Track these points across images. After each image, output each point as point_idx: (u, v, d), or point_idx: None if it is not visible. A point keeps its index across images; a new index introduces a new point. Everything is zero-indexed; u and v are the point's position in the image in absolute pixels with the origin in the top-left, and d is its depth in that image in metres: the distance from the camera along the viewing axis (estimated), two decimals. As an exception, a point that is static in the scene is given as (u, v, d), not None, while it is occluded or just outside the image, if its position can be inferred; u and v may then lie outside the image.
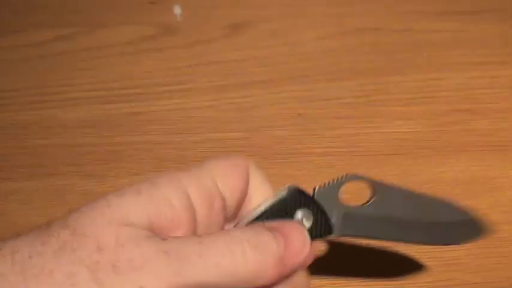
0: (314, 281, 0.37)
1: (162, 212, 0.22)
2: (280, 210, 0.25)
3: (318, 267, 0.38)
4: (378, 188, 0.27)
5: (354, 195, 0.27)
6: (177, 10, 0.50)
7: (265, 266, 0.22)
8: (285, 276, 0.23)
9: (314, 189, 0.25)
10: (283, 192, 0.25)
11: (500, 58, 0.48)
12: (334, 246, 0.39)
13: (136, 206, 0.21)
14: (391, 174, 0.42)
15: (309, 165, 0.42)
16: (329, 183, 0.26)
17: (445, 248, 0.38)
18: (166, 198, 0.22)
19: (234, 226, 0.26)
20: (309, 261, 0.24)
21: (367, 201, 0.27)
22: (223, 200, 0.24)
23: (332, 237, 0.25)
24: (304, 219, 0.25)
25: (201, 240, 0.21)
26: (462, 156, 0.42)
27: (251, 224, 0.24)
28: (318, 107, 0.45)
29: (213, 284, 0.21)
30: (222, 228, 0.26)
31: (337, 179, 0.26)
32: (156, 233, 0.21)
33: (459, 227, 0.30)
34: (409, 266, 0.38)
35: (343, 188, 0.26)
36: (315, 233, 0.25)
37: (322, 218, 0.25)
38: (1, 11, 0.51)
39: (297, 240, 0.23)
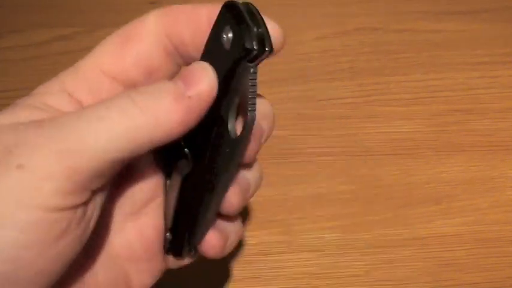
0: (310, 281, 0.37)
1: (40, 115, 0.20)
2: (211, 37, 0.21)
3: (315, 266, 0.38)
4: None
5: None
6: (177, 10, 0.50)
7: (164, 105, 0.19)
8: (197, 110, 0.20)
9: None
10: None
11: (500, 58, 0.48)
12: (332, 247, 0.39)
13: (11, 119, 0.19)
14: (391, 174, 0.42)
15: (309, 165, 0.42)
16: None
17: (445, 248, 0.39)
18: (41, 103, 0.20)
19: None
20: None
21: None
22: (116, 82, 0.22)
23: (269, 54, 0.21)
24: (230, 32, 0.20)
25: (83, 107, 0.19)
26: (462, 156, 0.42)
27: None
28: (318, 107, 0.45)
29: (111, 144, 0.18)
30: None
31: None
32: None
33: None
34: (409, 266, 0.38)
35: None
36: (255, 45, 0.20)
37: (253, 29, 0.20)
38: (1, 11, 0.51)
39: (195, 70, 0.20)
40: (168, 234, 0.25)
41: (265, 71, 0.47)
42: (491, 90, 0.46)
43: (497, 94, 0.46)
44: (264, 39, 0.20)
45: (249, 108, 0.21)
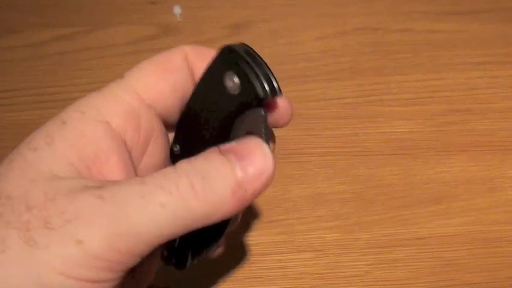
0: (313, 281, 0.37)
1: (81, 150, 0.20)
2: (210, 79, 0.22)
3: (315, 266, 0.38)
4: None
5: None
6: (176, 10, 0.50)
7: (221, 197, 0.19)
8: (250, 202, 0.20)
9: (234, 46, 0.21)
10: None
11: (500, 58, 0.48)
12: (332, 247, 0.39)
13: (52, 155, 0.19)
14: (391, 174, 0.42)
15: (309, 165, 0.42)
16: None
17: (445, 248, 0.39)
18: (80, 135, 0.20)
19: None
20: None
21: None
22: (152, 110, 0.22)
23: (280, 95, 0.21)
24: (235, 79, 0.21)
25: (143, 180, 0.19)
26: (462, 156, 0.42)
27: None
28: (318, 107, 0.45)
29: (165, 230, 0.18)
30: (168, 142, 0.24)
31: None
32: (86, 175, 0.20)
33: None
34: (409, 266, 0.38)
35: None
36: (262, 91, 0.20)
37: (259, 72, 0.20)
38: (1, 11, 0.51)
39: (256, 157, 0.20)
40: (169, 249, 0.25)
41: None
42: (491, 90, 0.46)
43: (497, 94, 0.46)
44: (273, 85, 0.20)
45: None
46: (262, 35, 0.49)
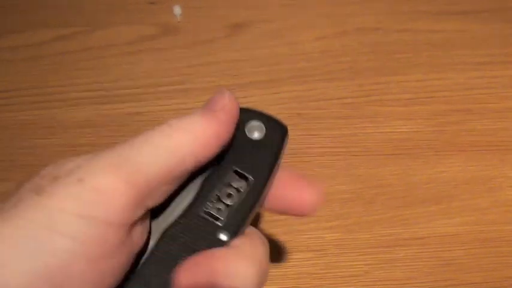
0: (312, 281, 0.37)
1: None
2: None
3: (315, 266, 0.38)
4: None
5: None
6: (176, 10, 0.50)
7: (197, 123, 0.22)
8: (227, 122, 0.23)
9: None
10: None
11: (500, 58, 0.48)
12: (332, 247, 0.39)
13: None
14: (391, 174, 0.42)
15: (309, 165, 0.42)
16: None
17: (445, 247, 0.39)
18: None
19: None
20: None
21: None
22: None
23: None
24: (256, 132, 0.25)
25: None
26: (462, 156, 0.42)
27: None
28: (318, 107, 0.45)
29: (157, 163, 0.20)
30: None
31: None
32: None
33: None
34: (409, 266, 0.38)
35: None
36: (275, 139, 0.25)
37: (272, 122, 0.25)
38: (1, 11, 0.51)
39: (214, 95, 0.23)
40: None
41: (265, 71, 0.48)
42: (491, 90, 0.46)
43: (497, 94, 0.46)
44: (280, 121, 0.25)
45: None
46: (262, 35, 0.49)
